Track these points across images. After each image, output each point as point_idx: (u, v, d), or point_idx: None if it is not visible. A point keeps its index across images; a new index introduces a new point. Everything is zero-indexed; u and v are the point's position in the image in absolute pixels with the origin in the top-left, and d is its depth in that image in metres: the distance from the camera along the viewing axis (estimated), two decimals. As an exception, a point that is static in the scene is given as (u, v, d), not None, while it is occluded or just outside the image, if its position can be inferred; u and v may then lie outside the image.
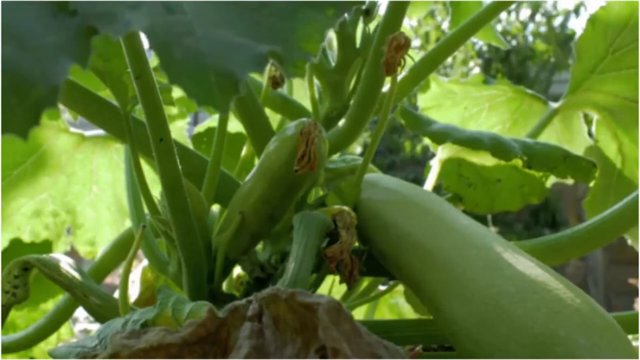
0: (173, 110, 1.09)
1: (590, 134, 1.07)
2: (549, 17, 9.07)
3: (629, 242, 0.98)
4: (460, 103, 1.07)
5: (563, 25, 9.02)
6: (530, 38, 9.15)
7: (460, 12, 0.97)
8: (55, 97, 0.34)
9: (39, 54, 0.35)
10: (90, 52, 0.37)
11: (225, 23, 0.40)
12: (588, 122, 1.08)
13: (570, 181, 1.05)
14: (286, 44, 0.40)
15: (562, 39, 8.71)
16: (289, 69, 0.39)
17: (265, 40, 0.39)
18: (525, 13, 9.14)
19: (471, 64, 8.43)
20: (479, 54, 8.42)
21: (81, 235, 1.07)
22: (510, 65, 8.51)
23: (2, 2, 0.36)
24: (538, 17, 9.17)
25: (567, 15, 8.96)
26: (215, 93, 0.36)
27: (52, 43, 0.36)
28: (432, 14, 7.99)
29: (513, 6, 8.81)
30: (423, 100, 1.06)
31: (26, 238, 0.99)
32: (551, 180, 1.04)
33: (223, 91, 0.36)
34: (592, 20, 0.95)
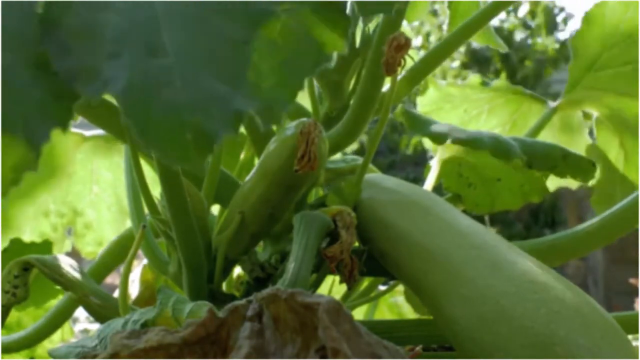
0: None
1: (590, 132, 1.07)
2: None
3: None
4: (459, 106, 1.06)
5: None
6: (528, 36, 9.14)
7: (459, 13, 0.97)
8: (35, 163, 0.33)
9: (24, 110, 0.34)
10: (72, 116, 0.36)
11: (207, 62, 0.38)
12: (588, 120, 1.08)
13: (574, 186, 1.05)
14: (264, 91, 0.38)
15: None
16: (266, 120, 0.38)
17: (245, 87, 0.38)
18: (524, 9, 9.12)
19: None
20: (478, 52, 8.39)
21: (81, 236, 1.07)
22: (510, 65, 8.49)
23: None
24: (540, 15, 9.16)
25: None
26: (191, 152, 0.35)
27: (36, 99, 0.34)
28: (434, 13, 7.96)
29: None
30: (422, 104, 1.05)
31: (26, 238, 0.99)
32: (554, 184, 1.04)
33: (199, 150, 0.35)
34: (588, 18, 0.95)
